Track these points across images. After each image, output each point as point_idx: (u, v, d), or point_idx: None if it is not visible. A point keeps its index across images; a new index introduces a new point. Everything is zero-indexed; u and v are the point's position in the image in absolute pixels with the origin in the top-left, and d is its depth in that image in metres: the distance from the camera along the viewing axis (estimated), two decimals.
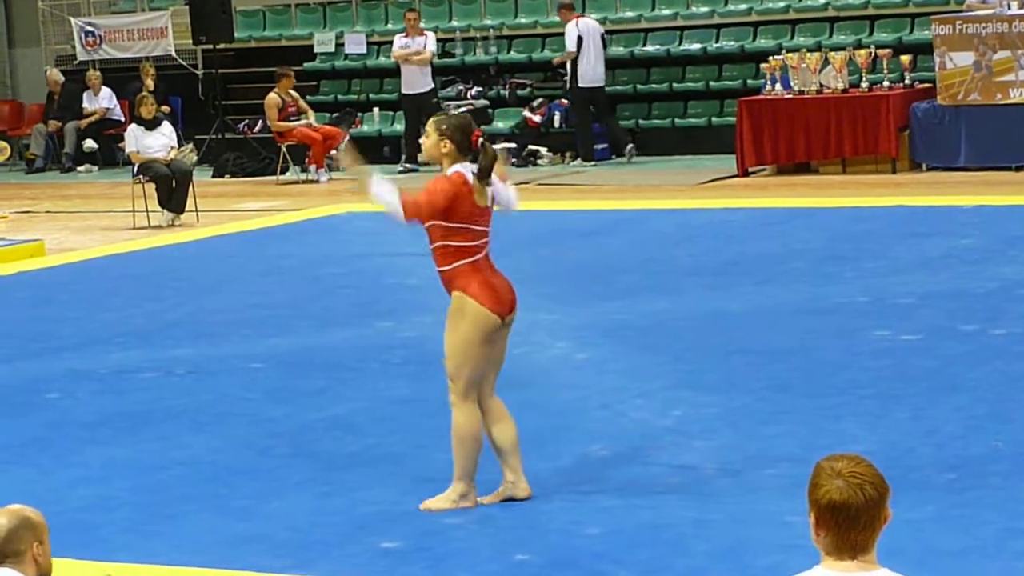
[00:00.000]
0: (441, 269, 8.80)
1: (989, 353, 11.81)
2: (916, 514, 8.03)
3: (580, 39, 23.53)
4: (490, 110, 25.28)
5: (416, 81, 24.29)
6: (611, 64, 25.12)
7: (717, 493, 8.98)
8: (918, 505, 8.22)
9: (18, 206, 23.60)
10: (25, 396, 12.36)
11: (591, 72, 23.70)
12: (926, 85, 21.23)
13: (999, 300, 13.37)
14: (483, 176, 8.63)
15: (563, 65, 24.22)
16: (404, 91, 24.46)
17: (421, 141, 9.13)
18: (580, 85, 23.70)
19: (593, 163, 23.76)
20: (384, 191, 8.71)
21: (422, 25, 24.97)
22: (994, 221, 17.15)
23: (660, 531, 8.53)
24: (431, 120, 8.87)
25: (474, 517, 8.92)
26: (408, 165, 24.20)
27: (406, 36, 24.45)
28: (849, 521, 4.93)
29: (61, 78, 27.96)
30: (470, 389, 8.79)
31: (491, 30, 26.10)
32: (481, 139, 8.91)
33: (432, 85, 24.42)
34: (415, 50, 24.24)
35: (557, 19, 25.78)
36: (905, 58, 21.54)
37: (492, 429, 8.92)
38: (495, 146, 9.09)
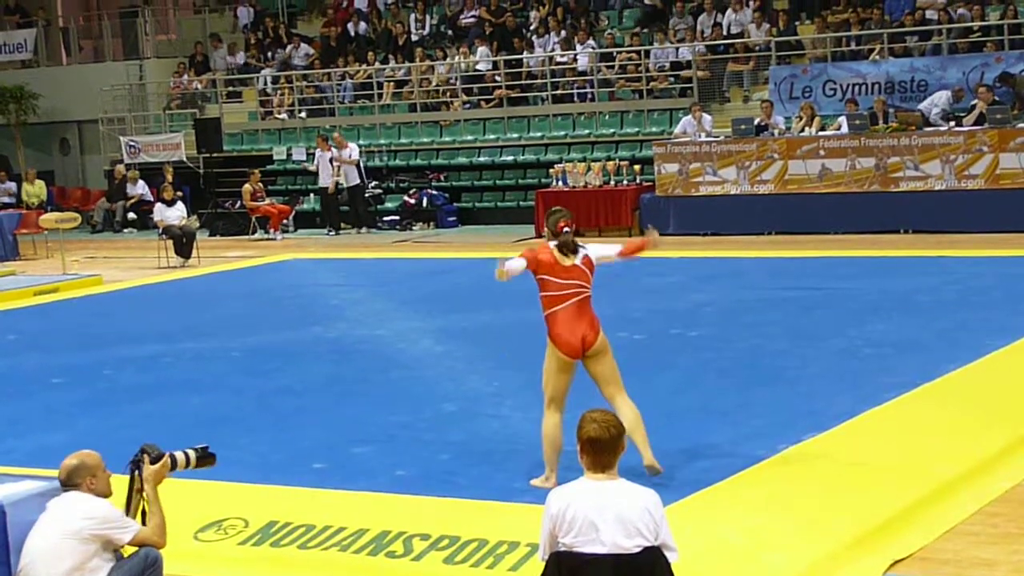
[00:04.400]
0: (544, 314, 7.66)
1: (687, 346, 11.95)
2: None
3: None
4: (383, 195, 25.13)
5: (351, 176, 24.01)
6: (459, 168, 25.14)
7: (524, 432, 8.97)
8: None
9: (85, 254, 23.13)
10: (88, 372, 12.17)
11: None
12: (650, 183, 21.42)
13: (693, 314, 13.52)
14: (563, 249, 7.66)
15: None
16: (347, 184, 23.99)
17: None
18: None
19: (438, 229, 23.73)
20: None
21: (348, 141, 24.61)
22: (690, 266, 17.29)
23: (494, 449, 8.53)
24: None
25: (373, 449, 8.85)
26: (332, 232, 24.14)
27: (340, 149, 24.00)
28: (600, 449, 4.98)
29: (124, 170, 27.47)
30: (551, 402, 7.59)
31: (384, 145, 25.98)
32: (565, 228, 7.72)
33: (359, 181, 24.09)
34: (346, 157, 23.90)
35: (425, 139, 25.78)
36: (637, 167, 21.72)
37: (621, 419, 7.80)
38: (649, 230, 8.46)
